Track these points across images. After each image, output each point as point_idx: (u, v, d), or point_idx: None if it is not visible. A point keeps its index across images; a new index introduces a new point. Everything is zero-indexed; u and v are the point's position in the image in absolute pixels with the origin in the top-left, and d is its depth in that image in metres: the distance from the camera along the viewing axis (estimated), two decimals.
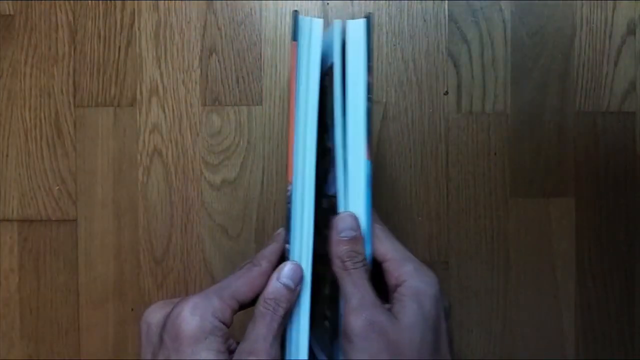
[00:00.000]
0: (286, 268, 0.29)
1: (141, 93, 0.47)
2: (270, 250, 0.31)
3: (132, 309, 0.47)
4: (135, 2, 0.47)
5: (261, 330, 0.28)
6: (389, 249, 0.30)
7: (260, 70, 0.47)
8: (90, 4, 0.47)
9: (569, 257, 0.47)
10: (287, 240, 0.30)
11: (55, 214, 0.47)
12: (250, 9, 0.47)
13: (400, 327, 0.28)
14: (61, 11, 0.47)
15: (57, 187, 0.47)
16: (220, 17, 0.47)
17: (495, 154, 0.47)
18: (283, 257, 0.31)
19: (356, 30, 0.29)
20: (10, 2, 0.47)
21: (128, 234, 0.47)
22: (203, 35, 0.47)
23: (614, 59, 0.47)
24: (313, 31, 0.29)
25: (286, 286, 0.29)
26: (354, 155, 0.29)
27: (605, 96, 0.47)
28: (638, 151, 0.47)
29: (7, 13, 0.47)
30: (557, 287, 0.47)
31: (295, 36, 0.29)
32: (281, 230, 0.32)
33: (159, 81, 0.47)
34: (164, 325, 0.27)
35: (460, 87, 0.47)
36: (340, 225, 0.29)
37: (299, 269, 0.30)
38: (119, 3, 0.47)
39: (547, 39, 0.47)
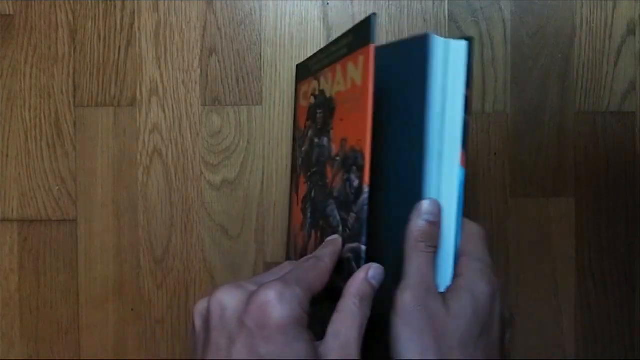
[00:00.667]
0: (373, 267, 0.29)
1: (141, 93, 0.47)
2: (331, 251, 0.31)
3: (132, 309, 0.47)
4: (135, 2, 0.47)
5: (353, 333, 0.27)
6: (471, 247, 0.31)
7: (260, 70, 0.47)
8: (90, 4, 0.47)
9: (568, 257, 0.47)
10: (363, 241, 0.30)
11: (55, 214, 0.47)
12: (250, 9, 0.47)
13: (448, 314, 0.28)
14: (61, 11, 0.47)
15: (57, 187, 0.47)
16: (220, 17, 0.47)
17: (495, 154, 0.47)
18: (341, 259, 0.31)
19: (459, 49, 0.31)
20: (10, 2, 0.47)
21: (128, 234, 0.47)
22: (203, 35, 0.47)
23: (614, 59, 0.47)
24: (454, 52, 0.31)
25: (371, 285, 0.29)
26: (448, 163, 0.31)
27: (605, 96, 0.47)
28: (638, 151, 0.47)
29: (7, 13, 0.47)
30: (557, 287, 0.47)
31: (372, 38, 0.30)
32: (337, 237, 0.32)
33: (159, 81, 0.47)
34: (245, 311, 0.25)
35: None
36: (424, 208, 0.30)
37: (381, 270, 0.30)
38: (119, 3, 0.47)
39: (547, 39, 0.47)
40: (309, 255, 0.31)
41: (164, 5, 0.47)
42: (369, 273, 0.29)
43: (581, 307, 0.47)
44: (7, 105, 0.47)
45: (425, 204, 0.30)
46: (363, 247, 0.30)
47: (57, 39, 0.47)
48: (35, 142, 0.47)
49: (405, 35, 0.47)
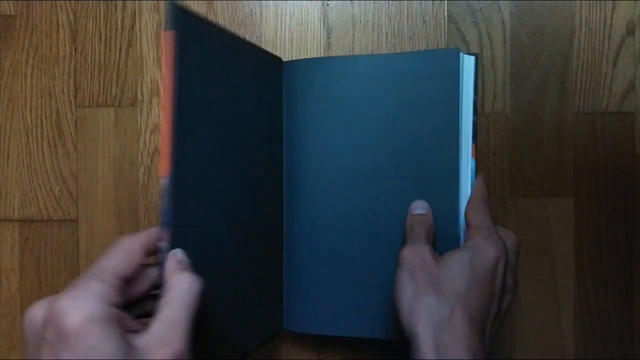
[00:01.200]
0: (177, 251, 0.29)
1: (142, 93, 0.47)
2: (138, 234, 0.30)
3: None
4: (136, 2, 0.47)
5: (174, 315, 0.26)
6: (477, 218, 0.36)
7: None
8: (91, 4, 0.47)
9: (568, 257, 0.47)
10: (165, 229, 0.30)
11: (56, 213, 0.47)
12: (251, 10, 0.47)
13: (440, 262, 0.33)
14: (62, 12, 0.47)
15: (58, 187, 0.47)
16: (221, 18, 0.47)
17: (494, 154, 0.47)
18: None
19: (470, 62, 0.39)
20: (11, 2, 0.47)
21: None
22: None
23: (613, 59, 0.47)
24: (467, 64, 0.39)
25: (182, 266, 0.29)
26: (465, 155, 0.39)
27: (605, 96, 0.47)
28: (637, 151, 0.47)
29: (8, 13, 0.47)
30: (557, 287, 0.47)
31: (171, 25, 0.30)
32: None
33: (159, 81, 0.47)
34: (44, 325, 0.24)
35: None
36: (415, 205, 0.39)
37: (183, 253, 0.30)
38: (119, 3, 0.47)
39: (546, 39, 0.47)
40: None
41: (165, 5, 0.47)
42: (177, 257, 0.29)
43: (580, 307, 0.47)
44: (8, 106, 0.47)
45: (416, 203, 0.39)
46: (165, 237, 0.30)
47: (58, 39, 0.47)
48: (37, 142, 0.47)
49: (405, 35, 0.47)
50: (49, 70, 0.47)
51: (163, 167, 0.30)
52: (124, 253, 0.28)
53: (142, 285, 0.30)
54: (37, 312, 0.25)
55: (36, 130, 0.47)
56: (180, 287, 0.27)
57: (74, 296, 0.24)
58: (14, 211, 0.47)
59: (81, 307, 0.24)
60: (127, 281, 0.28)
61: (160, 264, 0.29)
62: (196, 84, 0.32)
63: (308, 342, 0.47)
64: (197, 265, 0.30)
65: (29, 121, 0.47)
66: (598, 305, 0.47)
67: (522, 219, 0.47)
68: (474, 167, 0.40)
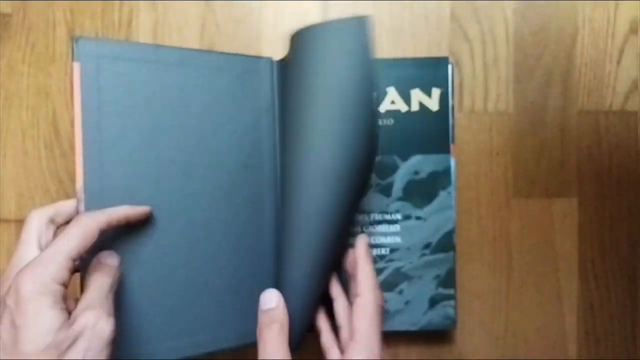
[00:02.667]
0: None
1: None
2: (109, 212, 0.35)
3: None
4: (133, 1, 0.47)
5: (97, 285, 0.33)
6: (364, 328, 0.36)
7: None
8: (88, 3, 0.47)
9: (571, 257, 0.47)
10: None
11: None
12: (249, 8, 0.47)
13: None
14: (59, 10, 0.47)
15: (55, 188, 0.47)
16: (219, 16, 0.47)
17: (497, 153, 0.47)
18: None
19: None
20: (8, 0, 0.47)
21: None
22: (201, 34, 0.47)
23: (616, 58, 0.47)
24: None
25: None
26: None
27: (608, 95, 0.47)
28: None
29: (5, 12, 0.47)
30: (560, 288, 0.47)
31: (76, 58, 0.36)
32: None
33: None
34: (8, 293, 0.30)
35: (462, 86, 0.47)
36: (263, 298, 0.37)
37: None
38: (116, 2, 0.47)
39: (549, 38, 0.47)
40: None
41: (162, 4, 0.47)
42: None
43: (583, 307, 0.47)
44: (5, 105, 0.47)
45: (263, 296, 0.37)
46: None
47: (54, 37, 0.47)
48: (33, 142, 0.47)
49: (407, 33, 0.47)
50: (45, 69, 0.47)
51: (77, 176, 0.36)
52: (82, 236, 0.32)
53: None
54: (4, 283, 0.32)
55: (32, 130, 0.47)
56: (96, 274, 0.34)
57: (33, 274, 0.30)
58: (10, 212, 0.47)
59: (36, 282, 0.30)
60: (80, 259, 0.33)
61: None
62: (108, 107, 0.37)
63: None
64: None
65: (25, 120, 0.47)
66: (601, 306, 0.47)
67: (526, 219, 0.47)
68: (454, 166, 0.43)
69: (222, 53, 0.41)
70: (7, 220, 0.47)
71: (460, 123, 0.47)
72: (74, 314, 0.31)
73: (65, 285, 0.32)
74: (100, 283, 0.33)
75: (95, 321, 0.30)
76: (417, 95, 0.43)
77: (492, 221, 0.47)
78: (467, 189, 0.47)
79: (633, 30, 0.47)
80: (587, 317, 0.47)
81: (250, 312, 0.38)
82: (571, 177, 0.47)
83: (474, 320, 0.47)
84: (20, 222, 0.47)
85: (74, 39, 0.36)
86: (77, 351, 0.29)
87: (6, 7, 0.47)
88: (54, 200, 0.47)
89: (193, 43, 0.47)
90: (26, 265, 0.31)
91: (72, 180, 0.47)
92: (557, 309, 0.47)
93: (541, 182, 0.47)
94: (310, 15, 0.47)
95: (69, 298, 0.33)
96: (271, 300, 0.37)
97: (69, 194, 0.47)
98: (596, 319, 0.47)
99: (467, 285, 0.47)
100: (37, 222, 0.36)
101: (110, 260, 0.35)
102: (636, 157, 0.47)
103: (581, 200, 0.47)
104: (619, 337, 0.47)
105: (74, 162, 0.47)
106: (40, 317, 0.30)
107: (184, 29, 0.47)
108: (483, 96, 0.47)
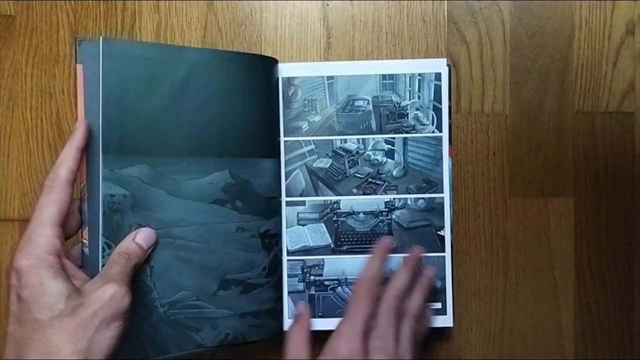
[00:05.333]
0: (142, 231, 0.37)
1: None
2: (63, 159, 0.36)
3: None
4: (136, 2, 0.47)
5: (116, 270, 0.34)
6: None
7: None
8: (91, 4, 0.47)
9: (567, 256, 0.47)
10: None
11: None
12: (251, 10, 0.47)
13: None
14: (62, 12, 0.47)
15: None
16: (221, 18, 0.47)
17: (494, 154, 0.47)
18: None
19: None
20: (11, 2, 0.47)
21: None
22: (204, 36, 0.47)
23: (612, 60, 0.47)
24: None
25: (139, 246, 0.36)
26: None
27: (604, 96, 0.47)
28: (637, 151, 0.47)
29: (8, 14, 0.47)
30: (556, 286, 0.47)
31: (79, 59, 0.38)
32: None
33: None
34: (9, 274, 0.32)
35: (459, 88, 0.47)
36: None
37: (153, 234, 0.37)
38: (119, 4, 0.47)
39: (546, 40, 0.47)
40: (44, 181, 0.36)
41: (165, 5, 0.47)
42: (136, 235, 0.36)
43: (580, 306, 0.47)
44: (9, 106, 0.47)
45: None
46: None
47: (58, 39, 0.47)
48: (37, 142, 0.47)
49: (405, 35, 0.47)
50: (49, 70, 0.47)
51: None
52: (55, 199, 0.34)
53: (74, 220, 0.37)
54: (8, 271, 0.33)
55: (36, 130, 0.47)
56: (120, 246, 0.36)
57: (25, 252, 0.32)
58: (14, 211, 0.47)
59: (30, 257, 0.32)
60: (65, 222, 0.35)
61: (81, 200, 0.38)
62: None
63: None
64: None
65: (29, 121, 0.47)
66: (598, 305, 0.47)
67: (522, 219, 0.47)
68: (450, 166, 0.44)
69: (224, 51, 0.42)
70: (11, 220, 0.47)
71: (458, 124, 0.47)
72: (89, 285, 0.33)
73: (60, 254, 0.33)
74: (126, 261, 0.35)
75: (120, 294, 0.32)
76: None
77: (489, 220, 0.47)
78: (464, 189, 0.47)
79: (629, 31, 0.47)
80: (584, 316, 0.47)
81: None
82: (567, 177, 0.47)
83: (470, 319, 0.47)
84: (23, 222, 0.47)
85: (76, 41, 0.37)
86: (97, 321, 0.31)
87: (9, 9, 0.47)
88: None
89: (195, 44, 0.47)
90: (17, 245, 0.33)
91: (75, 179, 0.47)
92: (554, 308, 0.47)
93: (537, 182, 0.47)
94: (311, 15, 0.47)
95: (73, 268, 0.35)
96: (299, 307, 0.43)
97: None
98: (592, 317, 0.47)
99: (464, 283, 0.47)
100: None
101: (144, 239, 0.37)
102: (632, 157, 0.47)
103: (577, 199, 0.47)
104: (615, 335, 0.47)
105: None
106: (45, 288, 0.31)
107: (187, 31, 0.47)
108: (480, 97, 0.47)
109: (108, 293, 0.32)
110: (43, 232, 0.33)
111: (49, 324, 0.30)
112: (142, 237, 0.37)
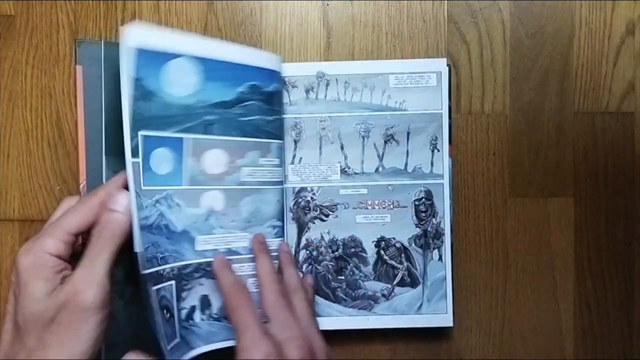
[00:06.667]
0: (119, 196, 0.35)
1: None
2: (111, 181, 0.36)
3: None
4: (136, 2, 0.47)
5: (101, 258, 0.33)
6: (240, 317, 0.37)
7: None
8: (91, 4, 0.47)
9: (567, 256, 0.47)
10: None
11: None
12: (251, 10, 0.47)
13: None
14: (62, 12, 0.47)
15: (58, 187, 0.47)
16: (221, 18, 0.47)
17: (494, 154, 0.47)
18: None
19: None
20: (11, 2, 0.47)
21: None
22: (204, 35, 0.47)
23: (612, 60, 0.47)
24: None
25: (115, 211, 0.34)
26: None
27: (604, 96, 0.47)
28: (637, 151, 0.47)
29: (8, 13, 0.47)
30: (556, 286, 0.47)
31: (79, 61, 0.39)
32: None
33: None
34: (12, 269, 0.33)
35: (459, 88, 0.47)
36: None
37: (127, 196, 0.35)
38: (119, 4, 0.47)
39: (546, 40, 0.47)
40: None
41: (165, 5, 0.47)
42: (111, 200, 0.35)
43: (580, 306, 0.47)
44: (8, 106, 0.47)
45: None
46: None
47: (58, 39, 0.47)
48: (37, 143, 0.47)
49: (405, 35, 0.47)
50: (49, 70, 0.47)
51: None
52: (81, 212, 0.34)
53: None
54: (12, 268, 0.33)
55: (36, 131, 0.47)
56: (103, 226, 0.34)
57: (29, 247, 0.32)
58: (14, 211, 0.47)
59: (30, 254, 0.32)
60: (81, 234, 0.34)
61: None
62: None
63: None
64: None
65: (29, 121, 0.47)
66: (598, 305, 0.47)
67: (522, 219, 0.47)
68: (450, 165, 0.44)
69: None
70: (11, 220, 0.47)
71: (458, 124, 0.47)
72: (70, 278, 0.32)
73: (62, 257, 0.33)
74: (99, 250, 0.33)
75: (82, 289, 0.31)
76: None
77: (489, 220, 0.47)
78: (464, 189, 0.47)
79: (629, 31, 0.47)
80: (584, 316, 0.47)
81: None
82: (567, 177, 0.47)
83: (470, 319, 0.47)
84: (23, 222, 0.47)
85: (76, 42, 0.37)
86: (58, 322, 0.31)
87: (9, 9, 0.47)
88: (57, 200, 0.47)
89: None
90: (27, 241, 0.33)
91: (76, 179, 0.47)
92: (554, 307, 0.47)
93: (537, 182, 0.47)
94: (311, 15, 0.47)
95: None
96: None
97: (72, 194, 0.47)
98: (592, 317, 0.47)
99: (464, 283, 0.47)
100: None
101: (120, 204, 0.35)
102: (632, 157, 0.47)
103: (577, 199, 0.47)
104: (615, 335, 0.47)
105: (77, 162, 0.47)
106: (29, 287, 0.31)
107: (187, 31, 0.47)
108: (480, 97, 0.47)
109: (70, 291, 0.32)
110: (54, 234, 0.33)
111: (24, 324, 0.31)
112: (117, 201, 0.35)
